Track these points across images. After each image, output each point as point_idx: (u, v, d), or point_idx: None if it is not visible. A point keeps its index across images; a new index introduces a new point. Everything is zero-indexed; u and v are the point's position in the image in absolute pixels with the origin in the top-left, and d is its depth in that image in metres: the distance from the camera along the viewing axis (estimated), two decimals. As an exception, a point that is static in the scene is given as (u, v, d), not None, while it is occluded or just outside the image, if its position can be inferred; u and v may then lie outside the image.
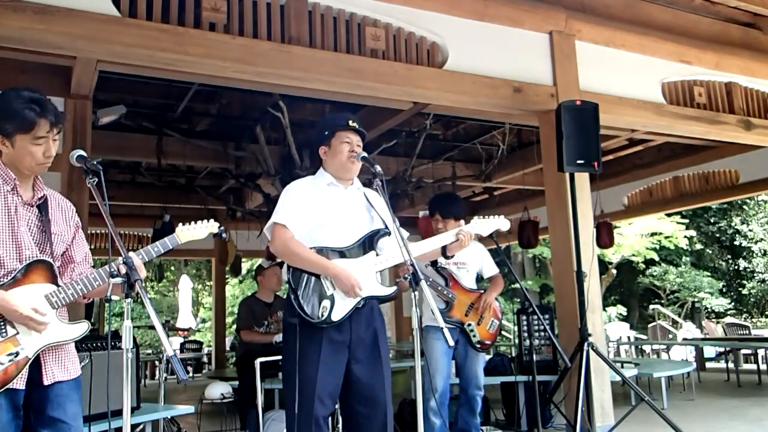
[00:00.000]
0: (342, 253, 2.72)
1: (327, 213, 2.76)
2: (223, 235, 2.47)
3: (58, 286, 2.10)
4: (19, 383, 1.99)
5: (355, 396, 2.70)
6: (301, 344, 2.62)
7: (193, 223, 2.38)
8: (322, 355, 2.61)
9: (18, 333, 2.00)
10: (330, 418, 2.79)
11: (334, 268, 2.65)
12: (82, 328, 2.13)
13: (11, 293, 2.00)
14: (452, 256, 3.05)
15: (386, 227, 2.82)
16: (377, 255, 2.77)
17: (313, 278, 2.66)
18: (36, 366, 2.05)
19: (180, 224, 2.36)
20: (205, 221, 2.40)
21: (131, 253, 2.11)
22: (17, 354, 1.98)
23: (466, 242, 2.91)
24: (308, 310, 2.62)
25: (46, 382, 2.06)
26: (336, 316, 2.63)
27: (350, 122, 2.84)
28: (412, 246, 2.83)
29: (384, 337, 2.83)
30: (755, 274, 19.53)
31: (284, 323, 2.77)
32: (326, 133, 2.87)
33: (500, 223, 3.07)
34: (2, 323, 1.99)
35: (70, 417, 2.10)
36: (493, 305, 4.29)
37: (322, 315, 2.61)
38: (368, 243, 2.77)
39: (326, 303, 2.63)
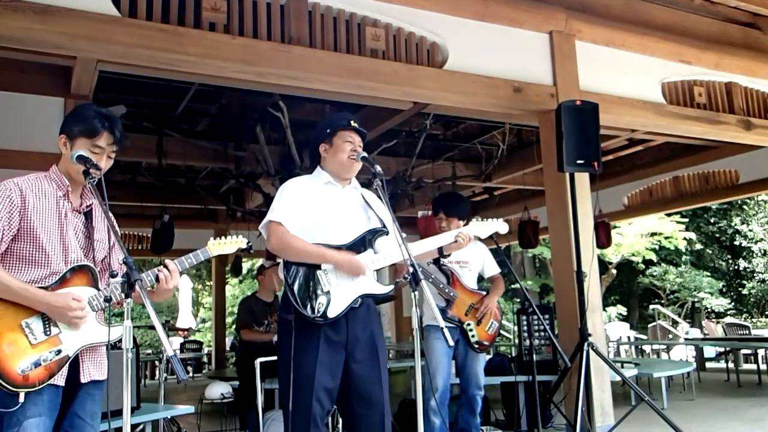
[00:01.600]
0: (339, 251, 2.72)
1: (323, 211, 2.76)
2: (251, 250, 2.54)
3: (98, 290, 2.21)
4: (60, 380, 2.10)
5: (353, 396, 2.69)
6: (296, 341, 2.61)
7: (223, 237, 2.47)
8: (320, 353, 2.60)
9: (60, 332, 2.11)
10: (330, 418, 2.79)
11: (333, 255, 2.66)
12: (119, 331, 2.16)
13: (54, 293, 2.10)
14: (448, 255, 3.13)
15: (384, 227, 2.82)
16: (374, 253, 2.77)
17: (309, 275, 2.66)
18: (74, 365, 2.15)
19: (211, 238, 2.46)
20: (236, 236, 2.50)
21: (168, 261, 2.24)
22: (60, 352, 2.09)
23: (464, 244, 2.95)
24: (304, 306, 2.61)
25: (83, 380, 2.18)
26: (332, 313, 2.63)
27: (352, 122, 2.84)
28: (410, 246, 2.84)
29: (381, 338, 2.83)
30: (755, 274, 19.54)
31: (280, 320, 2.75)
32: (328, 130, 2.87)
33: (498, 226, 3.13)
34: (47, 323, 2.09)
35: (88, 415, 2.20)
36: (493, 309, 4.30)
37: (318, 311, 2.60)
38: (365, 241, 2.77)
39: (323, 299, 2.63)
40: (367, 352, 2.71)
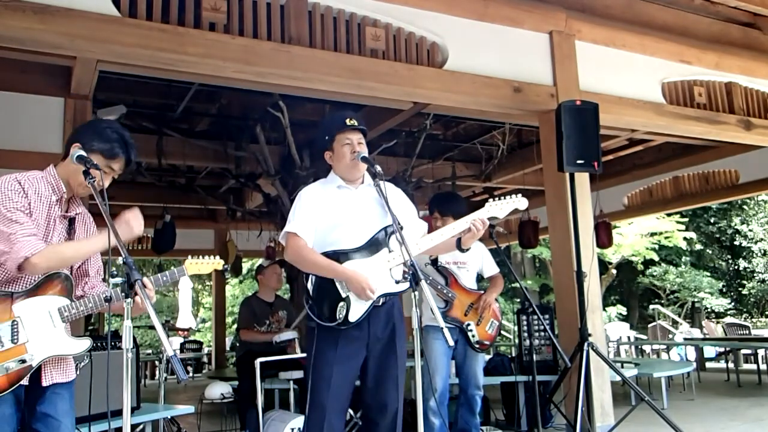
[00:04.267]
0: (356, 253, 2.72)
1: (339, 215, 2.78)
2: (226, 273, 2.59)
3: (71, 300, 2.19)
4: (24, 380, 2.09)
5: (369, 392, 2.74)
6: (318, 345, 2.68)
7: (201, 257, 2.50)
8: (338, 351, 2.65)
9: (27, 341, 2.09)
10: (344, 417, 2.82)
11: (344, 272, 2.66)
12: (85, 344, 2.22)
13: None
14: (468, 249, 2.91)
15: (398, 222, 2.80)
16: (390, 252, 2.76)
17: (327, 282, 2.68)
18: (36, 368, 2.13)
19: (189, 257, 2.48)
20: (212, 257, 2.52)
21: (145, 279, 2.18)
22: (24, 361, 2.07)
23: (479, 231, 2.78)
24: (325, 313, 2.65)
25: (44, 384, 2.16)
26: (353, 317, 2.65)
27: (348, 121, 2.83)
28: (424, 239, 2.82)
29: (402, 333, 2.83)
30: (755, 274, 19.52)
31: (307, 328, 2.81)
32: (327, 138, 2.87)
33: (518, 202, 2.83)
34: (15, 330, 2.07)
35: (60, 414, 2.19)
36: (493, 306, 4.29)
37: (339, 317, 2.64)
38: (380, 241, 2.77)
39: (342, 305, 2.65)
40: (386, 350, 2.75)
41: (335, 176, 2.89)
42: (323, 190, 2.86)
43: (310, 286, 2.71)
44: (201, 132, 7.53)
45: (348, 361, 2.68)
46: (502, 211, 2.83)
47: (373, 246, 2.75)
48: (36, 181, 2.20)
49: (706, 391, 7.56)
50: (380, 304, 2.73)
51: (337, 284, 2.67)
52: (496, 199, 2.85)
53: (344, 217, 2.77)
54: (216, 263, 2.50)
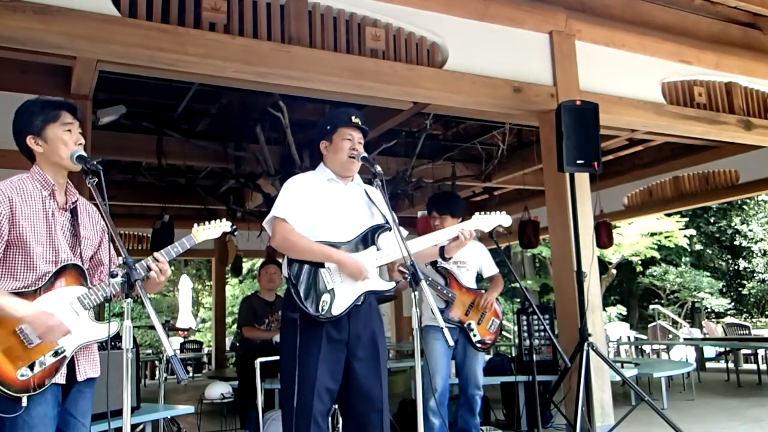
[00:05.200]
0: (343, 246, 2.71)
1: (326, 208, 2.76)
2: (235, 233, 2.57)
3: (89, 288, 2.19)
4: (61, 378, 2.11)
5: (353, 394, 2.69)
6: (300, 340, 2.61)
7: (207, 223, 2.42)
8: (322, 351, 2.61)
9: None
10: (330, 418, 2.78)
11: (338, 255, 2.65)
12: (113, 327, 2.21)
13: (41, 304, 2.07)
14: (450, 258, 3.03)
15: (387, 223, 2.82)
16: (378, 250, 2.76)
17: (312, 272, 2.65)
18: (69, 364, 2.16)
19: (196, 224, 2.41)
20: (218, 221, 2.44)
21: (157, 253, 2.20)
22: (57, 353, 2.09)
23: (466, 240, 2.88)
24: (308, 304, 2.61)
25: (79, 378, 2.19)
26: (336, 311, 2.63)
27: (353, 119, 2.83)
28: (410, 243, 2.82)
29: (382, 337, 2.83)
30: (755, 274, 19.53)
31: (284, 318, 2.74)
32: (328, 127, 2.86)
33: (502, 219, 3.02)
34: None
35: (79, 413, 2.20)
36: (493, 304, 4.29)
37: (322, 309, 2.61)
38: (369, 238, 2.77)
39: (326, 297, 2.63)
40: (368, 350, 2.72)
41: (326, 168, 2.87)
42: (313, 181, 2.84)
43: (294, 275, 2.65)
44: (201, 132, 7.53)
45: (331, 359, 2.64)
46: (487, 225, 3.01)
47: (361, 243, 2.75)
48: (21, 182, 2.19)
49: (706, 391, 7.56)
50: (360, 302, 2.71)
51: (322, 275, 2.65)
52: (483, 213, 3.02)
53: (331, 212, 2.76)
54: (223, 225, 2.42)
